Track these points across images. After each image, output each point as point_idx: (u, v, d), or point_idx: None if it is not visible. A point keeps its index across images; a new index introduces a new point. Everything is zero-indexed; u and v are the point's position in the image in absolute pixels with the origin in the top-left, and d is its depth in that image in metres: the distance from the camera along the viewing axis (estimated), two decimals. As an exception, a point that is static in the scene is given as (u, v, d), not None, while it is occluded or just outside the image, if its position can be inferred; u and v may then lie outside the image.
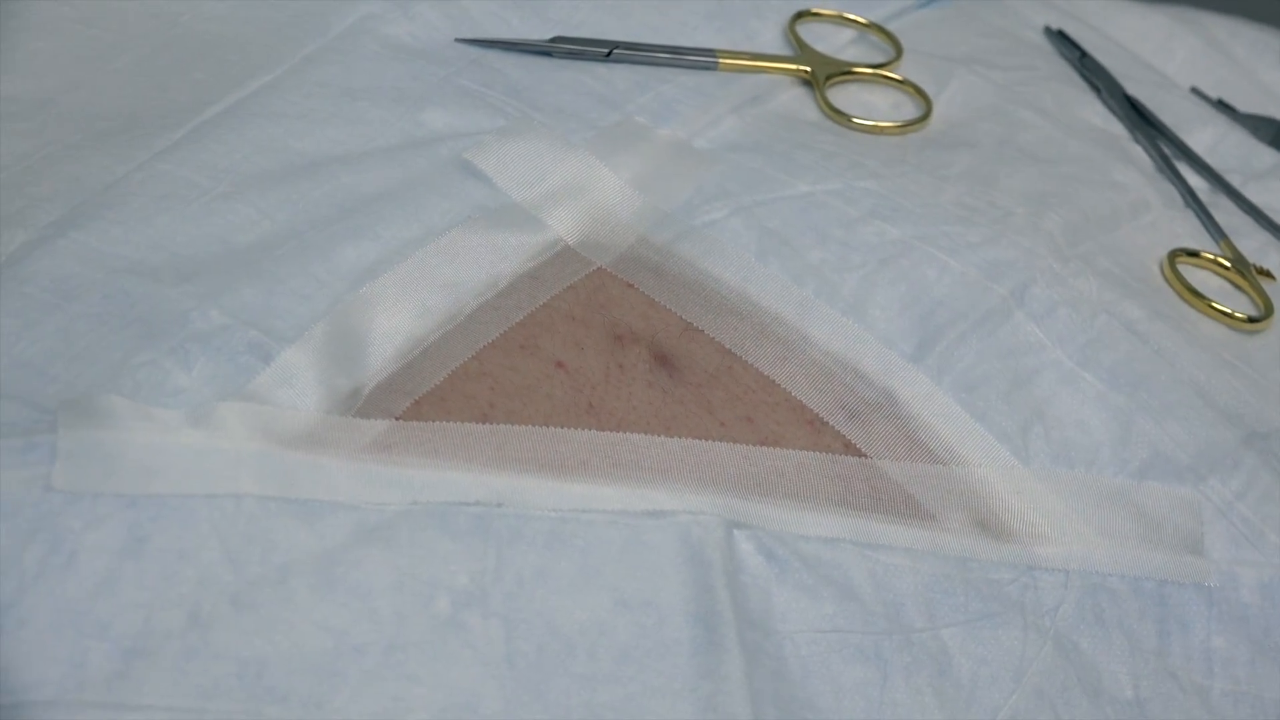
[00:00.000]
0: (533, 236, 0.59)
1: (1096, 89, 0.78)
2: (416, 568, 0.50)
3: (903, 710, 0.52)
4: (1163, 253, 0.69)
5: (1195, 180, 0.74)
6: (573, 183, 0.61)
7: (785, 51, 0.73)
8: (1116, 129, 0.76)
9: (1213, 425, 0.61)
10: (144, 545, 0.48)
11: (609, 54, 0.68)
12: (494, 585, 0.50)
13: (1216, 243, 0.71)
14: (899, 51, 0.74)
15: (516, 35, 0.69)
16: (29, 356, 0.52)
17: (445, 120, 0.63)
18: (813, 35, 0.74)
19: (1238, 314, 0.67)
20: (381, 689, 0.48)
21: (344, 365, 0.54)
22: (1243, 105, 0.81)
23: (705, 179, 0.63)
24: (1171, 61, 0.83)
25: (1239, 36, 0.86)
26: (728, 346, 0.58)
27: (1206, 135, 0.78)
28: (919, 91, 0.72)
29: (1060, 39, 0.80)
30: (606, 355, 0.57)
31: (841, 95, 0.72)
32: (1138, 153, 0.75)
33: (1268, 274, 0.70)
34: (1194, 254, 0.69)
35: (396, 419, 0.53)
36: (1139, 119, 0.76)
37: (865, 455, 0.57)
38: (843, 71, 0.72)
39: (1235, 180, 0.75)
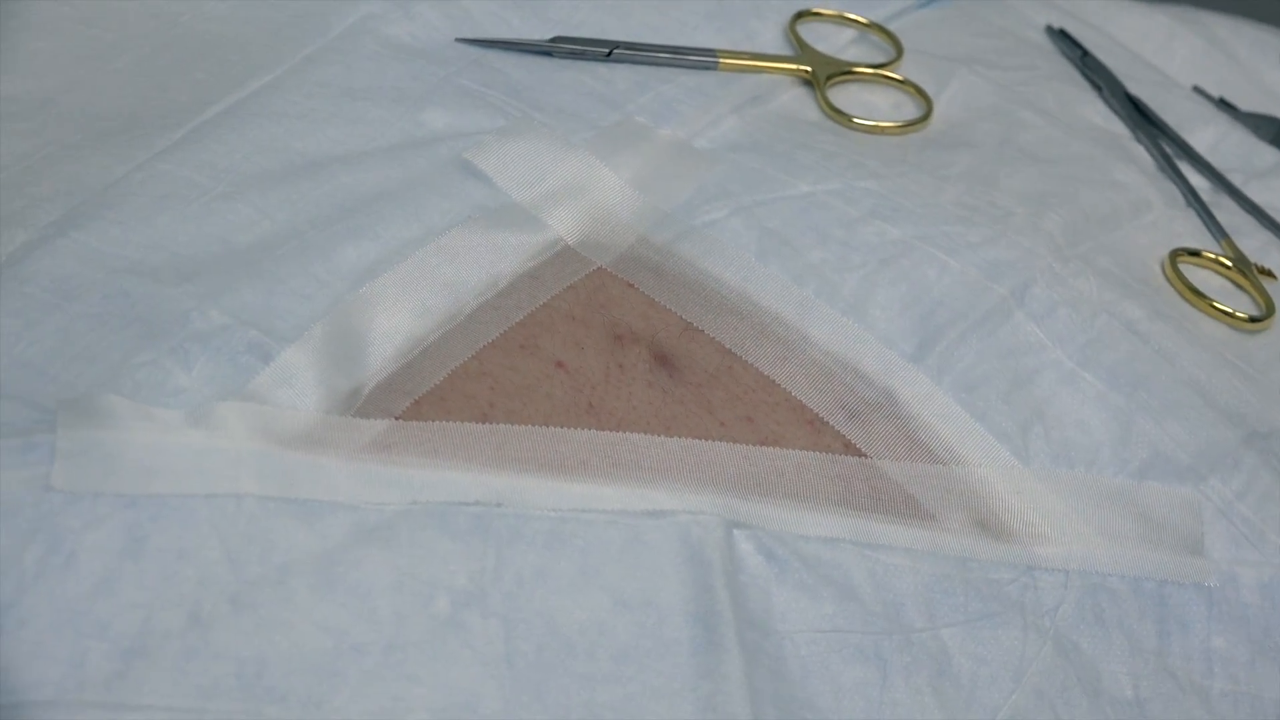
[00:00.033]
0: (533, 236, 0.59)
1: (1098, 88, 0.78)
2: (416, 567, 0.50)
3: (902, 710, 0.52)
4: (1164, 252, 0.69)
5: (1197, 179, 0.74)
6: (573, 182, 0.61)
7: (786, 51, 0.73)
8: (1118, 128, 0.76)
9: (1213, 425, 0.61)
10: (143, 545, 0.48)
11: (609, 54, 0.68)
12: (493, 585, 0.50)
13: (1218, 242, 0.71)
14: (899, 51, 0.74)
15: (517, 35, 0.69)
16: (29, 356, 0.52)
17: (445, 120, 0.63)
18: (813, 35, 0.74)
19: (1239, 313, 0.67)
20: (381, 689, 0.48)
21: (344, 365, 0.54)
22: (1244, 104, 0.81)
23: (705, 179, 0.63)
24: (1173, 61, 0.83)
25: (1240, 36, 0.86)
26: (728, 346, 0.58)
27: (1208, 134, 0.78)
28: (919, 91, 0.72)
29: (1062, 38, 0.80)
30: (606, 355, 0.57)
31: (842, 95, 0.72)
32: (1139, 152, 0.75)
33: (1269, 273, 0.70)
34: (1195, 253, 0.69)
35: (396, 419, 0.53)
36: (1140, 118, 0.76)
37: (865, 455, 0.57)
38: (843, 71, 0.72)
39: (1237, 179, 0.75)
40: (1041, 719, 0.54)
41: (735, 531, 0.53)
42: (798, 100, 0.70)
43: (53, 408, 0.50)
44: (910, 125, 0.71)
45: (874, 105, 0.72)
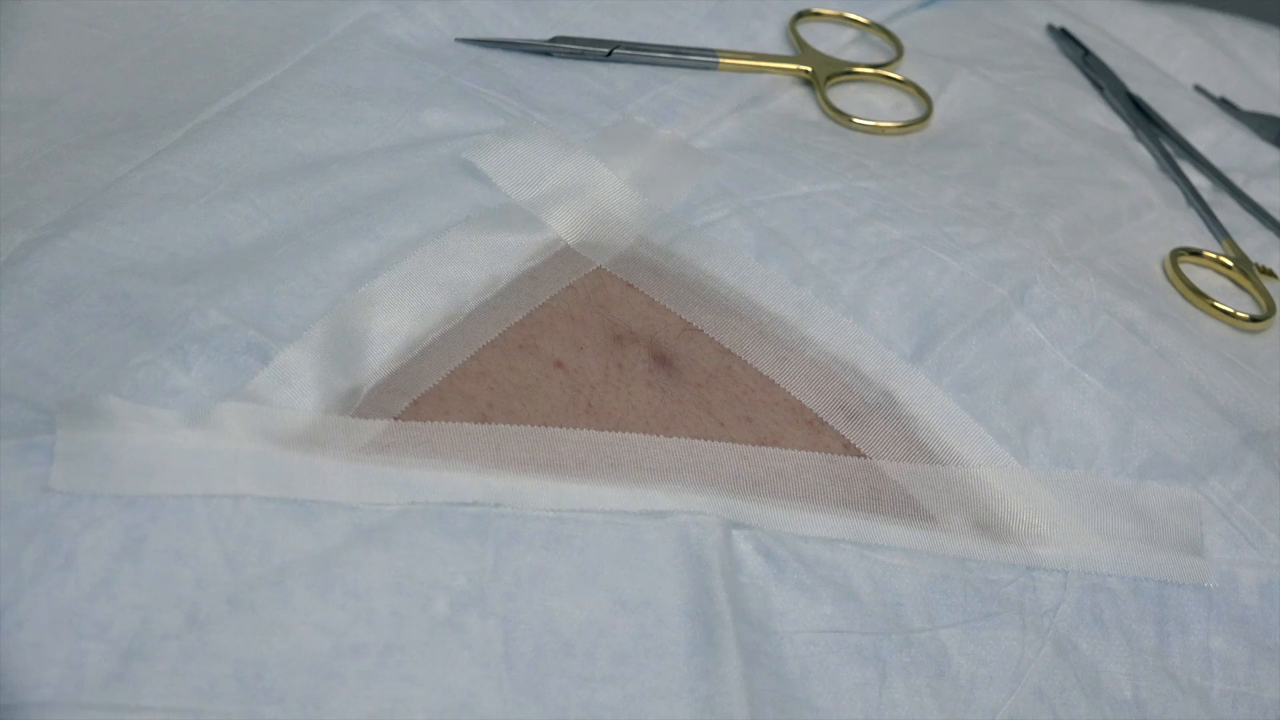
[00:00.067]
0: (532, 236, 0.59)
1: (1099, 87, 0.77)
2: (414, 568, 0.50)
3: (901, 711, 0.52)
4: (1165, 252, 0.69)
5: (1198, 179, 0.74)
6: (572, 183, 0.61)
7: (786, 51, 0.73)
8: (1119, 128, 0.75)
9: (1213, 425, 0.61)
10: (142, 546, 0.48)
11: (609, 54, 0.68)
12: (492, 586, 0.50)
13: (1219, 242, 0.71)
14: (900, 51, 0.74)
15: (517, 35, 0.69)
16: (28, 357, 0.52)
17: (445, 120, 0.63)
18: (813, 35, 0.74)
19: (1240, 313, 0.67)
20: (379, 690, 0.48)
21: (343, 365, 0.54)
22: (1245, 104, 0.81)
23: (705, 179, 0.63)
24: (1174, 61, 0.83)
25: (1242, 36, 0.85)
26: (727, 346, 0.58)
27: (1209, 134, 0.78)
28: (920, 92, 0.72)
29: (1063, 37, 0.80)
30: (605, 355, 0.57)
31: (842, 95, 0.72)
32: (1140, 151, 0.74)
33: (1270, 273, 0.70)
34: (1196, 253, 0.69)
35: (395, 419, 0.53)
36: (1142, 117, 0.76)
37: (864, 455, 0.57)
38: (843, 71, 0.72)
39: (1238, 179, 0.75)
40: (1040, 719, 0.54)
41: (734, 532, 0.53)
42: (798, 100, 0.70)
43: (52, 408, 0.50)
44: (910, 125, 0.71)
45: (874, 105, 0.72)
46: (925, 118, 0.71)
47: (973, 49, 0.76)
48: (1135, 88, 0.78)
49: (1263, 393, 0.63)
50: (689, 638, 0.51)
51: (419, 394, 0.54)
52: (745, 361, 0.58)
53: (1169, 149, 0.75)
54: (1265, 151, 0.78)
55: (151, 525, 0.48)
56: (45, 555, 0.47)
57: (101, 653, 0.47)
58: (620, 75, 0.68)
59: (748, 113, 0.68)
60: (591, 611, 0.50)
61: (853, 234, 0.62)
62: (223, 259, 0.56)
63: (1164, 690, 0.55)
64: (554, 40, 0.68)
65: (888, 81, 0.73)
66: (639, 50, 0.69)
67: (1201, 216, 0.72)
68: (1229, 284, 0.69)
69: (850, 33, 0.75)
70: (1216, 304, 0.67)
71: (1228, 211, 0.73)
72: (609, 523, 0.52)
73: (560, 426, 0.54)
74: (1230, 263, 0.69)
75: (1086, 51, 0.79)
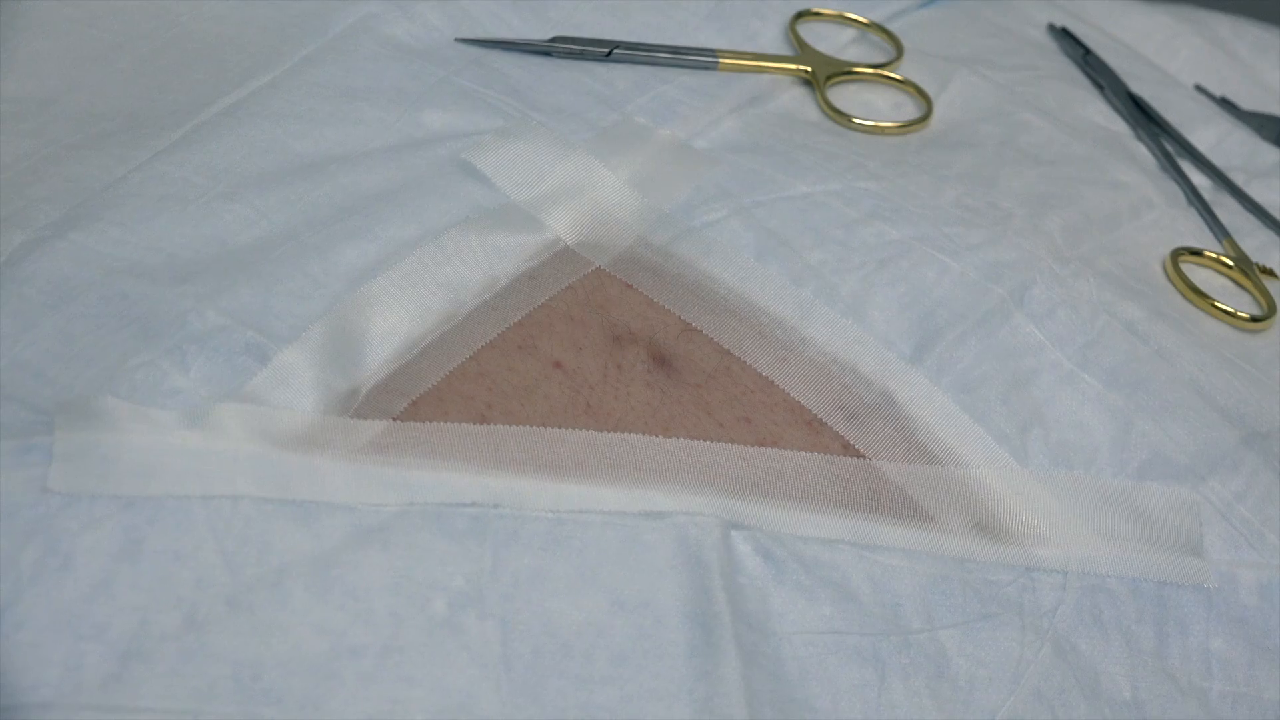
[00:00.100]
0: (531, 237, 0.59)
1: (1100, 87, 0.77)
2: (413, 569, 0.50)
3: (900, 712, 0.52)
4: (1165, 252, 0.69)
5: (1198, 178, 0.74)
6: (571, 183, 0.61)
7: (786, 51, 0.73)
8: (1119, 127, 0.75)
9: (1213, 426, 0.61)
10: (140, 547, 0.48)
11: (609, 54, 0.68)
12: (490, 586, 0.50)
13: (1219, 241, 0.71)
14: (900, 51, 0.74)
15: (516, 35, 0.69)
16: (27, 358, 0.52)
17: (444, 120, 0.63)
18: (813, 35, 0.74)
19: (1241, 313, 0.67)
20: (378, 691, 0.48)
21: (341, 366, 0.54)
22: (1246, 104, 0.81)
23: (704, 179, 0.63)
24: (1175, 60, 0.83)
25: (1242, 35, 0.85)
26: (726, 347, 0.58)
27: (1210, 133, 0.78)
28: (920, 92, 0.72)
29: (1064, 36, 0.80)
30: (604, 356, 0.57)
31: (842, 95, 0.71)
32: (1141, 151, 0.74)
33: (1271, 273, 0.70)
34: (1197, 253, 0.69)
35: (394, 420, 0.53)
36: (1142, 117, 0.76)
37: (864, 456, 0.57)
38: (843, 71, 0.72)
39: (1238, 178, 0.75)
40: (1040, 720, 0.54)
41: (733, 533, 0.53)
42: (797, 100, 0.70)
43: (50, 409, 0.50)
44: (910, 125, 0.71)
45: (874, 105, 0.72)
46: (925, 118, 0.71)
47: (973, 49, 0.76)
48: (1136, 87, 0.78)
49: (1263, 393, 0.63)
50: (687, 639, 0.51)
51: (418, 394, 0.54)
52: (744, 362, 0.58)
53: (1170, 148, 0.75)
54: (1266, 151, 0.78)
55: (150, 526, 0.48)
56: (44, 556, 0.47)
57: (100, 654, 0.47)
58: (620, 75, 0.68)
59: (747, 113, 0.68)
60: (590, 612, 0.50)
61: (852, 234, 0.62)
62: (221, 260, 0.56)
63: (1163, 691, 0.55)
64: (553, 40, 0.68)
65: (888, 81, 0.73)
66: (638, 50, 0.69)
67: (1202, 216, 0.72)
68: (1229, 284, 0.69)
69: (850, 32, 0.75)
70: (1217, 304, 0.67)
71: (1228, 211, 0.73)
72: (607, 523, 0.52)
73: (559, 427, 0.54)
74: (1231, 262, 0.69)
75: (1087, 51, 0.79)
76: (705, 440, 0.56)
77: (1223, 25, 0.86)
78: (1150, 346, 0.62)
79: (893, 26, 0.76)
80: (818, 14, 0.75)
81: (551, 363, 0.56)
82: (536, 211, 0.60)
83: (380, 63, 0.65)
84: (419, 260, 0.57)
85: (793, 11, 0.74)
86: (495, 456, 0.53)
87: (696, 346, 0.58)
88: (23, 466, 0.48)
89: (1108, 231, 0.68)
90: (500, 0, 0.69)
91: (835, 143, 0.67)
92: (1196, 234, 0.71)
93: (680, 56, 0.69)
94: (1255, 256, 0.71)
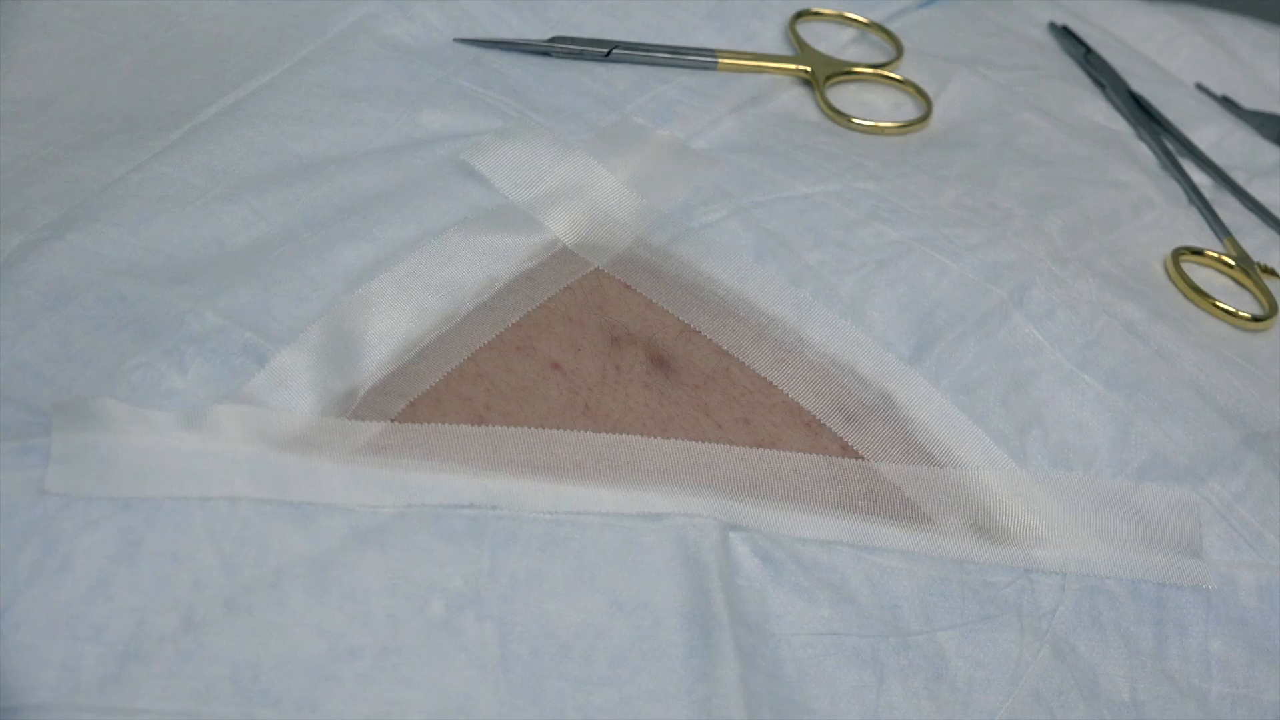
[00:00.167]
0: (530, 237, 0.59)
1: (1101, 86, 0.77)
2: (411, 570, 0.50)
3: (899, 713, 0.52)
4: (1166, 251, 0.69)
5: (1199, 177, 0.74)
6: (570, 184, 0.61)
7: (785, 51, 0.73)
8: (1120, 126, 0.75)
9: (1213, 426, 0.61)
10: (138, 548, 0.48)
11: (608, 54, 0.68)
12: (489, 588, 0.50)
13: (1220, 241, 0.71)
14: (900, 51, 0.74)
15: (516, 35, 0.68)
16: (25, 359, 0.52)
17: (443, 121, 0.63)
18: (813, 35, 0.74)
19: (1242, 313, 0.67)
20: (376, 692, 0.48)
21: (339, 367, 0.54)
22: (1247, 103, 0.80)
23: (703, 180, 0.63)
24: (1175, 59, 0.83)
25: (1243, 35, 0.85)
26: (725, 348, 0.58)
27: (1211, 132, 0.78)
28: (919, 92, 0.72)
29: (1065, 35, 0.80)
30: (603, 357, 0.57)
31: (842, 95, 0.71)
32: (1141, 150, 0.74)
33: (1272, 272, 0.70)
34: (1198, 252, 0.69)
35: (392, 421, 0.53)
36: (1143, 116, 0.76)
37: (862, 457, 0.57)
38: (843, 71, 0.72)
39: (1239, 177, 0.75)
40: (1039, 721, 0.54)
41: (731, 534, 0.53)
42: (797, 100, 0.70)
43: (48, 411, 0.50)
44: (910, 125, 0.70)
45: (874, 105, 0.71)
46: (925, 118, 0.71)
47: (973, 48, 0.76)
48: (1137, 86, 0.78)
49: (1264, 392, 0.63)
50: (686, 640, 0.51)
51: (416, 396, 0.54)
52: (743, 363, 0.58)
53: (1170, 147, 0.75)
54: (1267, 150, 0.78)
55: (147, 528, 0.48)
56: (41, 558, 0.47)
57: (98, 655, 0.47)
58: (619, 75, 0.68)
59: (747, 113, 0.68)
60: (588, 614, 0.50)
61: (851, 235, 0.62)
62: (219, 261, 0.56)
63: (1162, 692, 0.55)
64: (552, 40, 0.68)
65: (887, 81, 0.73)
66: (638, 50, 0.69)
67: (1203, 215, 0.72)
68: (1230, 283, 0.69)
69: (850, 32, 0.75)
70: (1218, 303, 0.67)
71: (1229, 210, 0.73)
72: (606, 525, 0.52)
73: (557, 428, 0.54)
74: (1232, 262, 0.69)
75: (1088, 50, 0.79)
76: (703, 441, 0.56)
77: (1224, 24, 0.86)
78: (1150, 347, 0.62)
79: (892, 26, 0.75)
80: (817, 14, 0.75)
81: (550, 364, 0.56)
82: (535, 212, 0.60)
83: (379, 63, 0.65)
84: (417, 261, 0.57)
85: (792, 11, 0.74)
86: (493, 458, 0.53)
87: (695, 347, 0.58)
88: (20, 468, 0.48)
89: (1108, 231, 0.68)
90: (499, 0, 0.69)
91: (835, 143, 0.67)
92: (1197, 233, 0.71)
93: (679, 56, 0.69)
94: (1256, 256, 0.71)
